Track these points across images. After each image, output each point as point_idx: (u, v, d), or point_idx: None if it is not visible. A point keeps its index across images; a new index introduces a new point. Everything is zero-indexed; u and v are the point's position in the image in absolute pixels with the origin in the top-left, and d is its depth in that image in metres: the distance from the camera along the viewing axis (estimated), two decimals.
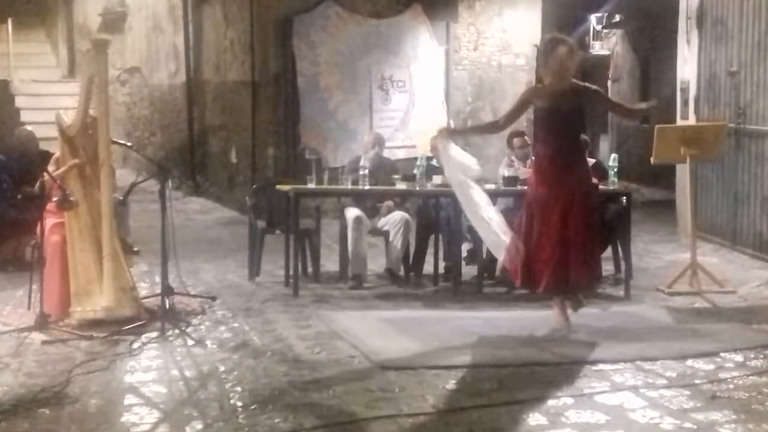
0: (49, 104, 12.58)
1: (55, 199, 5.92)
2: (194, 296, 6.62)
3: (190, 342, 5.46)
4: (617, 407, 4.36)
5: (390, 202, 7.63)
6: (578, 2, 17.50)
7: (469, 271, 7.42)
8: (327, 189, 7.42)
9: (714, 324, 6.14)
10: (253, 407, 4.31)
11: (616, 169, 7.21)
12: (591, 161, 7.44)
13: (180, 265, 6.48)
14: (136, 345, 5.38)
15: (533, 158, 6.22)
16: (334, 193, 7.72)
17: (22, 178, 7.73)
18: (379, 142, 7.92)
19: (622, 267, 7.52)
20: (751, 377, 4.86)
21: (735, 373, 4.93)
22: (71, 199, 5.87)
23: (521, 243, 5.73)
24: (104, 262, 5.86)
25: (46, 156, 6.82)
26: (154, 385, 4.68)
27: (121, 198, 6.18)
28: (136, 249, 6.17)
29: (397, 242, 7.34)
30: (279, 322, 6.08)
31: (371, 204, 7.54)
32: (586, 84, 6.01)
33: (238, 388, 4.61)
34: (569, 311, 5.85)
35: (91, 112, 6.06)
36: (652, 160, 7.59)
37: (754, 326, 6.06)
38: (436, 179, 7.15)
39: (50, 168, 6.11)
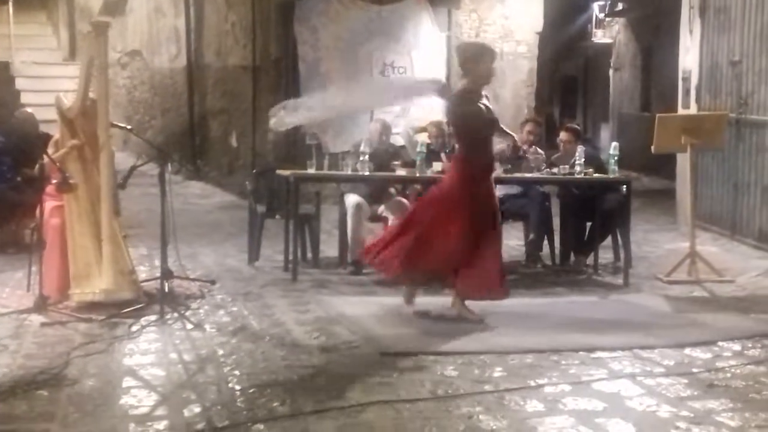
0: (49, 86, 12.56)
1: (54, 181, 5.90)
2: (193, 280, 6.63)
3: (189, 325, 5.47)
4: (615, 395, 4.37)
5: (393, 190, 7.64)
6: None
7: None
8: (327, 174, 7.41)
9: (712, 313, 6.14)
10: (251, 391, 4.32)
11: (616, 158, 7.20)
12: (582, 150, 7.38)
13: (179, 248, 6.47)
14: (134, 328, 5.38)
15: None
16: (334, 178, 7.72)
17: (22, 160, 7.72)
18: (385, 130, 7.90)
19: (622, 255, 7.53)
20: (748, 366, 4.87)
21: (732, 362, 4.94)
22: (71, 181, 5.86)
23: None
24: (103, 244, 5.86)
25: (46, 138, 6.80)
26: (152, 368, 4.69)
27: (121, 182, 6.16)
28: (123, 234, 6.17)
29: None
30: (278, 306, 6.09)
31: (371, 190, 7.52)
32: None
33: (237, 372, 4.62)
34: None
35: (91, 94, 6.05)
36: (652, 149, 7.58)
37: (752, 316, 6.08)
38: (437, 166, 7.15)
39: (49, 150, 6.10)
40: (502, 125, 6.18)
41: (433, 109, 10.99)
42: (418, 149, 7.20)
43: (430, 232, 5.75)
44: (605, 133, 19.50)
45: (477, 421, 3.97)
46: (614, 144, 7.42)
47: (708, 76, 9.27)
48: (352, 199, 7.34)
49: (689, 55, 9.58)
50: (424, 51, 11.31)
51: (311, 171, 7.18)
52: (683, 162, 9.06)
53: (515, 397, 4.29)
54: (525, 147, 7.53)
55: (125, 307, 5.67)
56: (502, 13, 11.87)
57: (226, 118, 12.48)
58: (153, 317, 5.57)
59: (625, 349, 5.12)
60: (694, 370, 4.80)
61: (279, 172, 7.39)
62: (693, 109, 9.35)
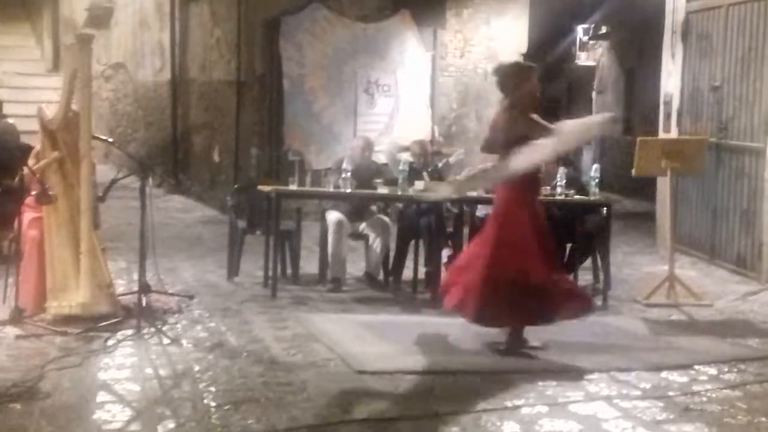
0: (32, 97, 12.50)
1: (34, 193, 5.87)
2: (172, 295, 6.59)
3: (166, 340, 5.43)
4: (591, 417, 4.37)
5: (374, 208, 7.64)
6: (565, 13, 17.58)
7: None
8: (309, 191, 7.41)
9: (689, 337, 6.17)
10: (226, 407, 4.29)
11: (597, 180, 7.23)
12: (563, 171, 7.37)
13: (158, 263, 6.45)
14: (110, 342, 5.34)
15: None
16: (315, 195, 7.71)
17: (2, 170, 7.65)
18: (368, 147, 7.90)
19: (601, 277, 7.55)
20: (724, 390, 4.89)
21: (708, 386, 4.95)
22: (50, 193, 5.83)
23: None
24: (81, 257, 5.82)
25: (27, 149, 6.76)
26: (127, 383, 4.65)
27: (100, 195, 6.13)
28: (102, 247, 6.14)
29: (377, 246, 7.34)
30: (256, 323, 6.07)
31: (353, 207, 7.52)
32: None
33: (213, 388, 4.59)
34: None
35: (74, 106, 6.02)
36: (633, 172, 7.63)
37: (729, 340, 6.10)
38: (418, 184, 7.16)
39: (30, 162, 6.06)
40: None
41: (415, 128, 11.04)
42: (401, 167, 7.21)
43: (498, 264, 5.46)
44: (587, 155, 19.58)
45: None
46: (595, 166, 7.45)
47: (689, 101, 9.34)
48: (333, 216, 7.34)
49: (671, 80, 9.66)
50: (409, 70, 11.36)
51: (293, 187, 7.17)
52: (663, 186, 9.11)
53: (492, 418, 4.28)
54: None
55: (102, 321, 5.63)
56: (488, 35, 11.94)
57: (209, 133, 12.46)
58: (129, 331, 5.53)
59: (602, 371, 5.13)
60: (671, 393, 4.81)
61: (260, 187, 7.37)
62: (674, 133, 9.41)
